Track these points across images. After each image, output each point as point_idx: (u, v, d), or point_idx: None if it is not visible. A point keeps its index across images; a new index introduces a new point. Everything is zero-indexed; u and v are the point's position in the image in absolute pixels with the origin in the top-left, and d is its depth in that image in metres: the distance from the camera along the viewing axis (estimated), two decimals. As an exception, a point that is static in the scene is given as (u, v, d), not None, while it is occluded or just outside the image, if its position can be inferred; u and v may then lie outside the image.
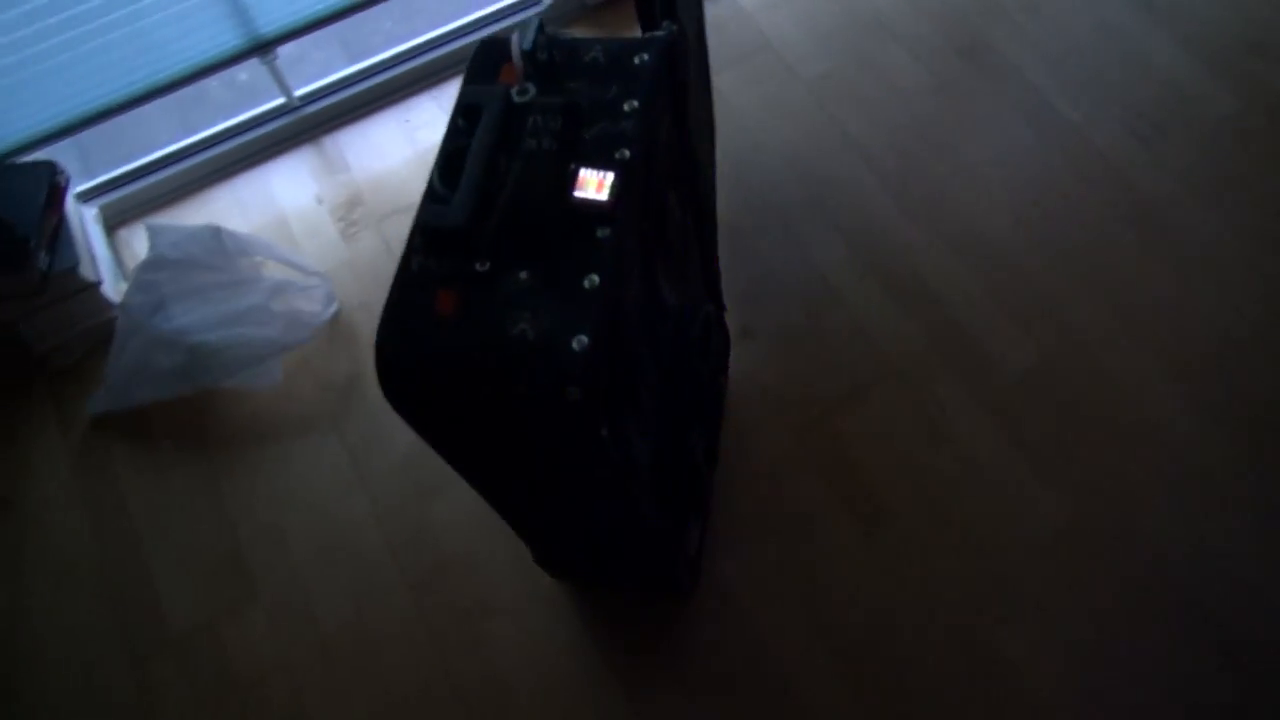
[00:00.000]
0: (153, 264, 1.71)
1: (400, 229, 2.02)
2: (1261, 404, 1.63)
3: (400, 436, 1.76)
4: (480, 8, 2.22)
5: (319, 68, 2.19)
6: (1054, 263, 1.80)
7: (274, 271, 1.84)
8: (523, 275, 0.94)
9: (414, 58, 2.16)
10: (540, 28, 1.05)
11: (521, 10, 2.22)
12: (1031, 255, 1.82)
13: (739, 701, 1.47)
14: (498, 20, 2.20)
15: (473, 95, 1.01)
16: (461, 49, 2.18)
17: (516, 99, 1.02)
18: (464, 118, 1.02)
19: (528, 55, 1.03)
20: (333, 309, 1.83)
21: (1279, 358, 1.66)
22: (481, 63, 1.09)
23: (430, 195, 0.99)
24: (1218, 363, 1.67)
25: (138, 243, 1.99)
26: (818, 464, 1.65)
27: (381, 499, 1.71)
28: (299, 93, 2.11)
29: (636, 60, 1.06)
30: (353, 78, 2.14)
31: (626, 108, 1.03)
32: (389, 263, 1.97)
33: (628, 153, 1.00)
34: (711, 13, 2.08)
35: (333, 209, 2.05)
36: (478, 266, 0.95)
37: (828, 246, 1.87)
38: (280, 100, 2.09)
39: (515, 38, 1.05)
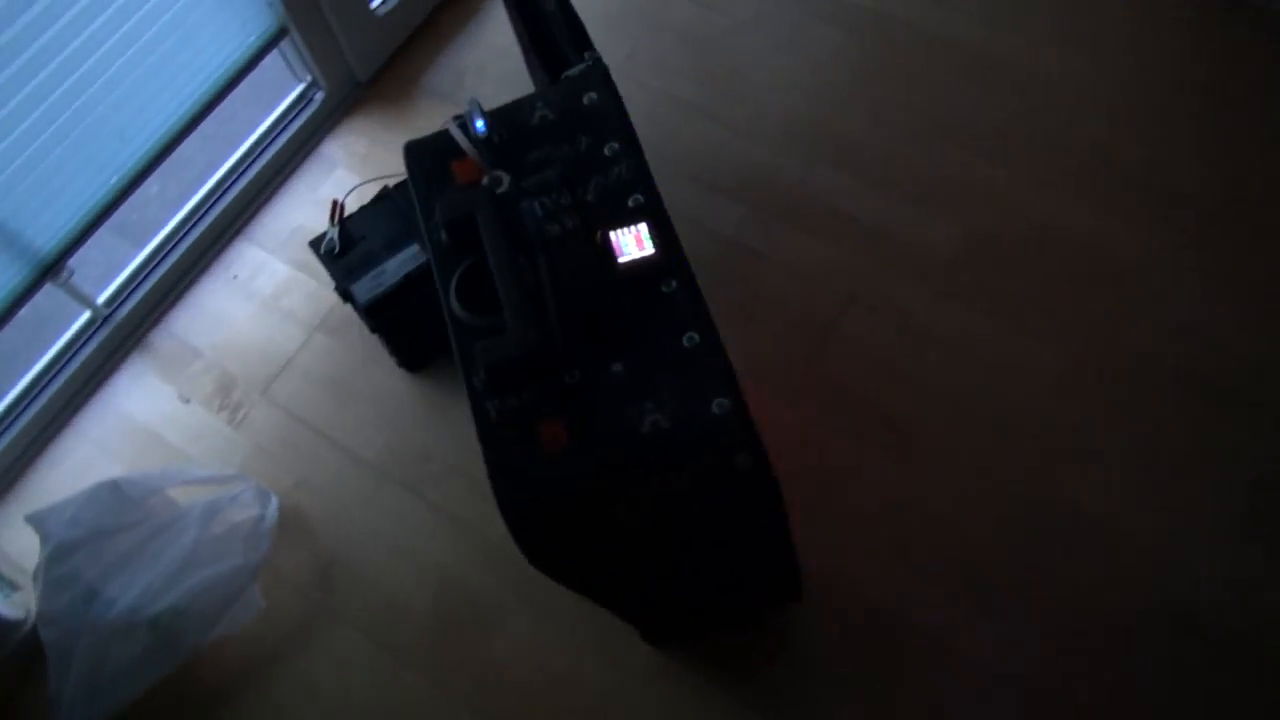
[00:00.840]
0: (57, 554, 1.43)
1: (289, 389, 1.82)
2: (1153, 183, 1.74)
3: (412, 593, 1.59)
4: (245, 137, 2.00)
5: (104, 267, 1.91)
6: (927, 138, 1.85)
7: (191, 496, 1.59)
8: (617, 368, 0.84)
9: (208, 211, 1.93)
10: (481, 108, 0.93)
11: (299, 114, 2.02)
12: (905, 142, 1.86)
13: (876, 666, 1.44)
14: (278, 135, 2.00)
15: (453, 208, 0.89)
16: (253, 181, 1.96)
17: (498, 192, 0.90)
18: (450, 234, 0.89)
19: (483, 142, 0.92)
20: (274, 504, 1.61)
21: (1142, 137, 1.79)
22: (422, 168, 0.96)
23: (466, 332, 0.87)
24: (1100, 158, 1.78)
25: (8, 540, 1.67)
26: (826, 414, 1.63)
27: (431, 663, 1.54)
28: (102, 299, 1.83)
29: (586, 100, 0.97)
30: (154, 257, 1.88)
31: (608, 152, 0.94)
32: (298, 428, 1.77)
33: (641, 197, 0.91)
34: (494, 40, 1.98)
35: (205, 402, 1.80)
36: (566, 380, 0.83)
37: (723, 212, 1.83)
38: (86, 316, 1.81)
39: (456, 130, 0.93)
